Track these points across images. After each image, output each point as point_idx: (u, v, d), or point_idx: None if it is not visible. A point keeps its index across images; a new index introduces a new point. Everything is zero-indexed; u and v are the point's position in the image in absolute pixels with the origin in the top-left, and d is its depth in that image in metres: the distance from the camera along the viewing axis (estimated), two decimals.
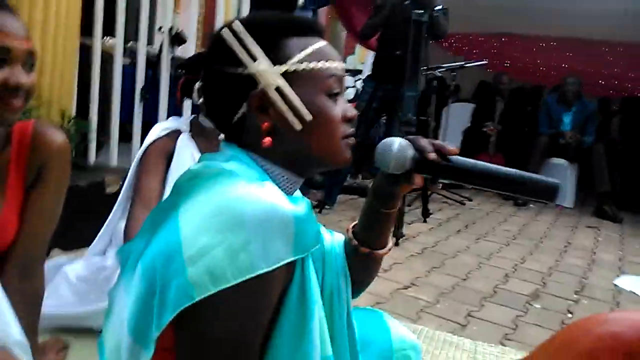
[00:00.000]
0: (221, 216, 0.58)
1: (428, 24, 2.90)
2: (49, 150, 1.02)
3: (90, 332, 1.35)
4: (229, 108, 0.71)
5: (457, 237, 3.15)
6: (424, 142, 0.73)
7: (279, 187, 0.67)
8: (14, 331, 0.89)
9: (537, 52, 6.83)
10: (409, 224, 3.30)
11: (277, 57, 0.68)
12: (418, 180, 0.76)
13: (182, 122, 1.63)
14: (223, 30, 0.70)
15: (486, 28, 6.26)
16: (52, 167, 1.03)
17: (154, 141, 1.58)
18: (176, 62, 2.61)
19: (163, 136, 1.59)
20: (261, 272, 0.57)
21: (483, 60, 4.16)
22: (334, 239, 0.92)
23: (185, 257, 0.58)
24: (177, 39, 2.82)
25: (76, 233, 1.75)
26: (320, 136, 0.70)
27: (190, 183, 0.67)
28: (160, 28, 2.68)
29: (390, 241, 0.89)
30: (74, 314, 1.37)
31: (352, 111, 0.73)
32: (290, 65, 0.68)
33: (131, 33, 3.13)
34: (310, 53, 0.69)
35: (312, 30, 0.71)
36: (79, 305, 1.38)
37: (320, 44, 0.71)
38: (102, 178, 2.04)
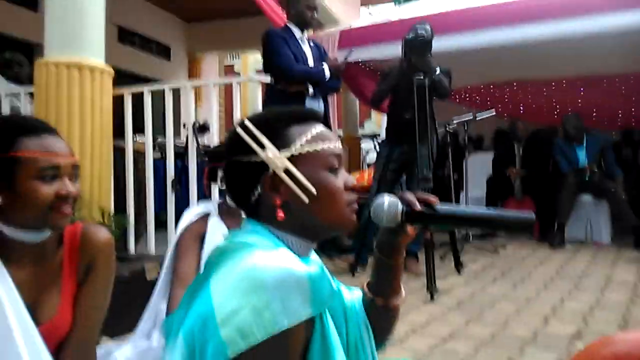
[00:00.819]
0: (244, 281, 0.69)
1: (431, 86, 3.07)
2: (96, 248, 1.15)
3: None
4: (247, 190, 0.84)
5: (493, 286, 3.13)
6: (410, 196, 0.85)
7: (293, 252, 0.78)
8: None
9: (549, 93, 6.94)
10: (443, 278, 3.31)
11: (282, 144, 0.81)
12: (410, 230, 0.87)
13: (210, 206, 1.77)
14: (236, 126, 0.84)
15: (495, 78, 6.43)
16: (100, 262, 1.15)
17: (188, 226, 1.72)
18: (202, 151, 2.82)
19: (195, 220, 1.73)
20: (284, 327, 0.66)
21: (491, 110, 4.28)
22: (353, 296, 1.01)
23: (218, 320, 0.68)
24: (202, 128, 3.05)
25: (122, 320, 1.86)
26: (326, 206, 0.81)
27: (218, 258, 0.78)
28: (184, 125, 2.92)
29: (403, 290, 0.98)
30: None
31: (351, 181, 0.85)
32: (293, 150, 0.81)
33: (158, 130, 3.40)
34: (310, 137, 0.82)
35: (310, 117, 0.85)
36: None
37: (318, 128, 0.84)
38: (142, 266, 2.17)
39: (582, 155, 4.76)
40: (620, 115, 6.85)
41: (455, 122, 4.11)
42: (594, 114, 6.78)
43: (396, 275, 0.95)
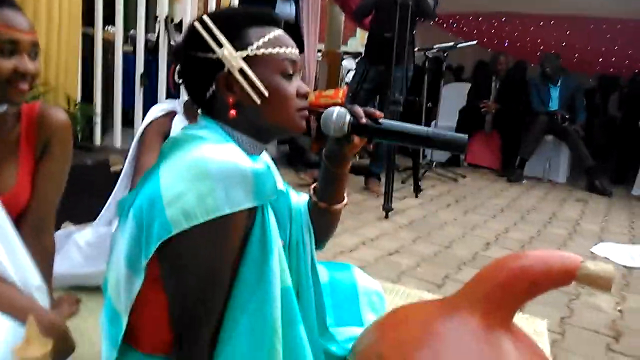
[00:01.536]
0: (192, 169, 0.74)
1: (414, 5, 3.02)
2: (53, 127, 1.19)
3: (98, 290, 1.50)
4: (202, 87, 0.87)
5: (446, 211, 3.31)
6: (358, 109, 0.90)
7: (244, 150, 0.84)
8: (33, 276, 1.06)
9: (535, 30, 6.87)
10: (401, 199, 3.46)
11: (239, 44, 0.84)
12: (357, 140, 0.92)
13: (176, 104, 1.79)
14: (195, 22, 0.86)
15: (484, 8, 6.31)
16: (57, 141, 1.20)
17: (152, 121, 1.74)
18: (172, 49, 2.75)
19: (160, 117, 1.75)
20: (224, 213, 0.73)
21: (473, 41, 4.26)
22: (299, 199, 1.09)
23: (164, 202, 0.74)
24: (178, 27, 2.96)
25: (84, 207, 1.92)
26: (276, 109, 0.86)
27: (170, 148, 0.83)
28: (156, 17, 2.82)
29: (346, 197, 1.06)
30: (84, 273, 1.55)
31: (304, 88, 0.89)
32: (249, 51, 0.83)
33: (133, 22, 3.28)
34: (267, 40, 0.85)
35: (269, 21, 0.87)
36: (88, 267, 1.56)
37: (276, 32, 0.86)
38: (107, 158, 2.21)
39: (555, 96, 4.84)
40: (600, 60, 6.90)
41: (435, 48, 4.08)
42: (576, 55, 6.80)
43: (340, 183, 1.02)
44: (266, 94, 0.84)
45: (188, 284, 0.77)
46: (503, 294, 0.90)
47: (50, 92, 2.15)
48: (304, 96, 0.89)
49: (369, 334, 1.02)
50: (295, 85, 0.88)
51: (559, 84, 4.83)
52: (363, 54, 3.71)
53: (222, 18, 0.85)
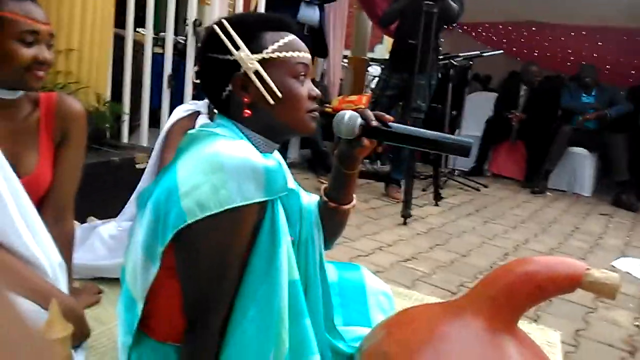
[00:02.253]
0: (207, 163, 0.78)
1: (440, 12, 3.03)
2: (72, 116, 1.27)
3: (120, 282, 1.58)
4: (218, 87, 0.91)
5: (466, 219, 3.29)
6: (369, 112, 0.93)
7: (257, 148, 0.88)
8: (54, 254, 1.11)
9: (566, 41, 6.79)
10: (421, 206, 3.46)
11: (255, 47, 0.88)
12: (366, 142, 0.95)
13: (201, 105, 1.84)
14: (214, 25, 0.90)
15: (515, 17, 6.25)
16: (75, 129, 1.27)
17: (176, 121, 1.80)
18: None
19: (184, 117, 1.81)
20: (237, 205, 0.77)
21: (500, 50, 4.23)
22: (310, 199, 1.12)
23: (180, 193, 0.78)
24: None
25: (111, 203, 1.99)
26: (288, 110, 0.90)
27: (187, 143, 0.87)
28: (185, 20, 2.90)
29: (354, 199, 1.09)
30: (106, 265, 1.61)
31: (315, 91, 0.93)
32: (264, 54, 0.88)
33: (164, 24, 3.37)
34: (282, 44, 0.89)
35: (284, 26, 0.92)
36: (110, 259, 1.62)
37: (290, 37, 0.91)
38: (133, 155, 2.28)
39: (587, 102, 4.79)
40: (632, 73, 6.75)
41: (461, 56, 4.07)
42: (607, 67, 6.68)
43: (349, 184, 1.05)
44: (279, 95, 0.88)
45: (200, 271, 0.82)
46: (508, 298, 0.91)
47: (81, 89, 2.23)
48: (315, 98, 0.93)
49: (375, 334, 1.04)
50: (306, 87, 0.92)
51: (593, 93, 4.76)
52: (388, 61, 3.72)
53: (240, 22, 0.90)
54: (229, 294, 0.83)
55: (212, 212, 0.76)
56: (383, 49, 10.23)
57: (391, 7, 3.57)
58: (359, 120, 0.93)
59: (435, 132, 0.94)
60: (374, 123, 0.93)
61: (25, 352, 0.19)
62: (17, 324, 0.20)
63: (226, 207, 0.76)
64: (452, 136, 0.93)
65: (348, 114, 0.93)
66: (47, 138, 1.24)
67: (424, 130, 0.94)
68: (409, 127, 0.95)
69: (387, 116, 0.94)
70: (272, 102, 0.88)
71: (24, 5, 1.10)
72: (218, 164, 0.77)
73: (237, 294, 0.84)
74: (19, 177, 1.12)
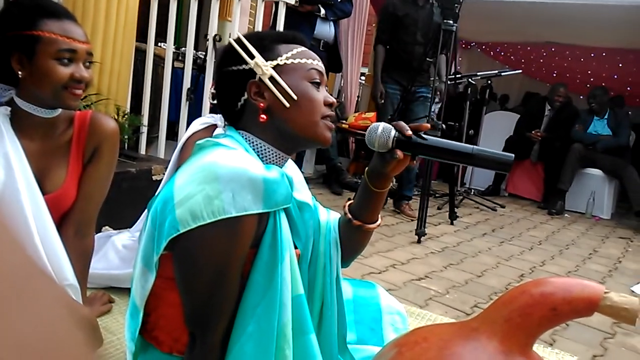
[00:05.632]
0: (202, 172, 0.77)
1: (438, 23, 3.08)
2: (105, 134, 1.27)
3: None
4: (234, 97, 0.92)
5: (481, 240, 3.25)
6: (403, 124, 0.92)
7: (265, 158, 0.88)
8: (69, 275, 1.12)
9: (585, 62, 6.74)
10: (436, 225, 3.43)
11: (269, 56, 0.89)
12: (400, 155, 0.91)
13: (218, 118, 1.86)
14: (230, 41, 0.91)
15: (534, 38, 6.23)
16: (106, 146, 1.27)
17: (193, 134, 1.81)
18: None
19: (201, 129, 1.82)
20: (230, 215, 0.75)
21: (518, 70, 4.21)
22: (329, 216, 1.11)
23: (175, 202, 0.77)
24: None
25: (127, 213, 2.01)
26: (303, 113, 0.89)
27: (192, 154, 0.88)
28: (205, 35, 2.95)
29: (380, 218, 1.07)
30: (118, 275, 1.62)
31: (331, 98, 0.92)
32: (279, 61, 0.89)
33: (185, 39, 3.43)
34: (295, 53, 0.90)
35: (296, 40, 0.93)
36: (123, 268, 1.63)
37: (303, 48, 0.92)
38: (150, 167, 2.30)
39: (600, 126, 4.71)
40: None
41: (479, 75, 4.06)
42: (628, 89, 6.61)
43: (377, 203, 1.03)
44: (295, 97, 0.88)
45: (196, 282, 0.80)
46: (523, 319, 0.89)
47: (102, 101, 2.27)
48: (331, 105, 0.93)
49: (386, 352, 1.02)
50: (322, 93, 0.91)
51: (606, 116, 4.70)
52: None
53: (254, 36, 0.92)
54: (228, 308, 0.81)
55: (205, 222, 0.75)
56: None
57: (378, 23, 3.63)
58: (393, 132, 0.90)
59: (473, 146, 0.88)
60: (409, 132, 0.90)
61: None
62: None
63: (219, 218, 0.75)
64: (491, 150, 0.88)
65: (382, 125, 0.91)
66: (77, 156, 1.25)
67: (461, 144, 0.89)
68: (445, 140, 0.90)
69: (424, 124, 0.91)
70: (287, 104, 0.88)
71: (62, 24, 1.11)
72: (213, 173, 0.76)
73: (238, 308, 0.82)
74: (46, 193, 1.13)
